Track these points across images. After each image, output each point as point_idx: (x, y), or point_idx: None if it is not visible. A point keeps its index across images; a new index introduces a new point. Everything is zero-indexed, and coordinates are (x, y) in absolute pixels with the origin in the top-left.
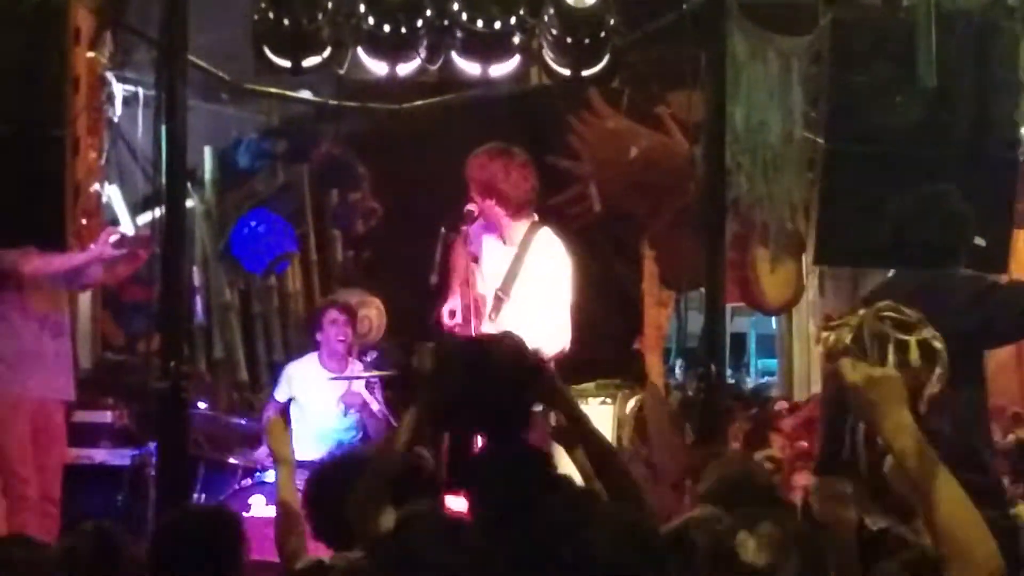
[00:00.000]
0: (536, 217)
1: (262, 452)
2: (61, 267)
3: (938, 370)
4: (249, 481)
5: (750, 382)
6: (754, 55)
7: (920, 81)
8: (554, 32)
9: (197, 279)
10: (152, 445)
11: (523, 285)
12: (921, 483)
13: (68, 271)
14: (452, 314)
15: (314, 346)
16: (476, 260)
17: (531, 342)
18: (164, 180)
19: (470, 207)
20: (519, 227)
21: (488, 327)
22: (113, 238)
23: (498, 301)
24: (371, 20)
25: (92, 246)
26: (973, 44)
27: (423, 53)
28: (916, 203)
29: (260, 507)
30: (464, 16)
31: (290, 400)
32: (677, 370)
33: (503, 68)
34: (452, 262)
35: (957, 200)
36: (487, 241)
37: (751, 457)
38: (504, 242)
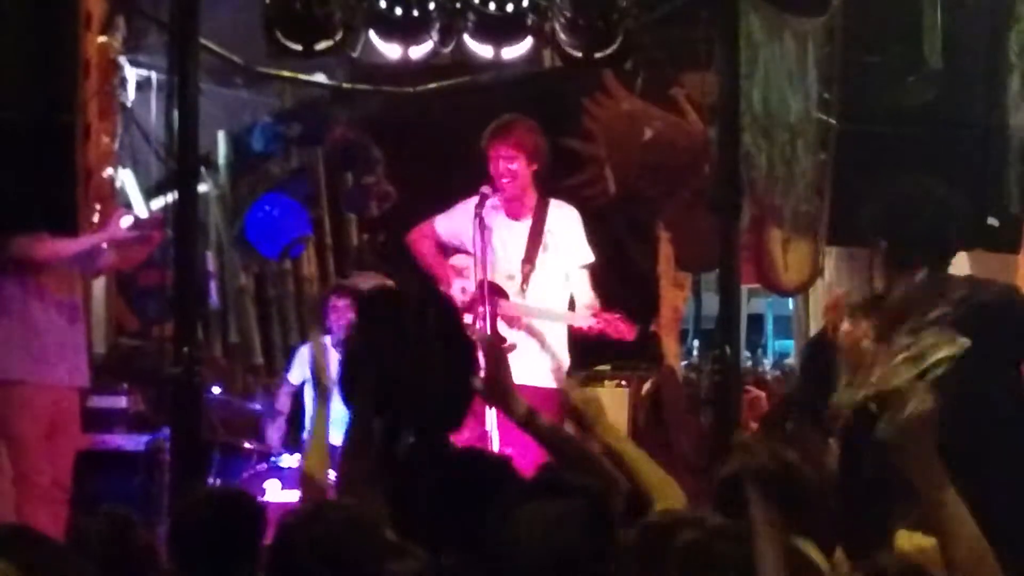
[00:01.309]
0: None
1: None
2: (75, 250)
3: None
4: (264, 466)
5: (767, 363)
6: (771, 36)
7: (928, 61)
8: (567, 14)
9: (211, 264)
10: (167, 430)
11: (547, 251)
12: (942, 523)
13: (81, 253)
14: (464, 291)
15: (326, 329)
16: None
17: (565, 303)
18: (177, 164)
19: (485, 189)
20: (530, 199)
21: (519, 299)
22: (126, 221)
23: (527, 271)
24: (383, 3)
25: (107, 226)
26: (985, 24)
27: (436, 36)
28: (904, 196)
29: (275, 492)
30: None
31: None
32: (694, 352)
33: (516, 50)
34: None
35: (945, 194)
36: (498, 221)
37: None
38: (515, 217)
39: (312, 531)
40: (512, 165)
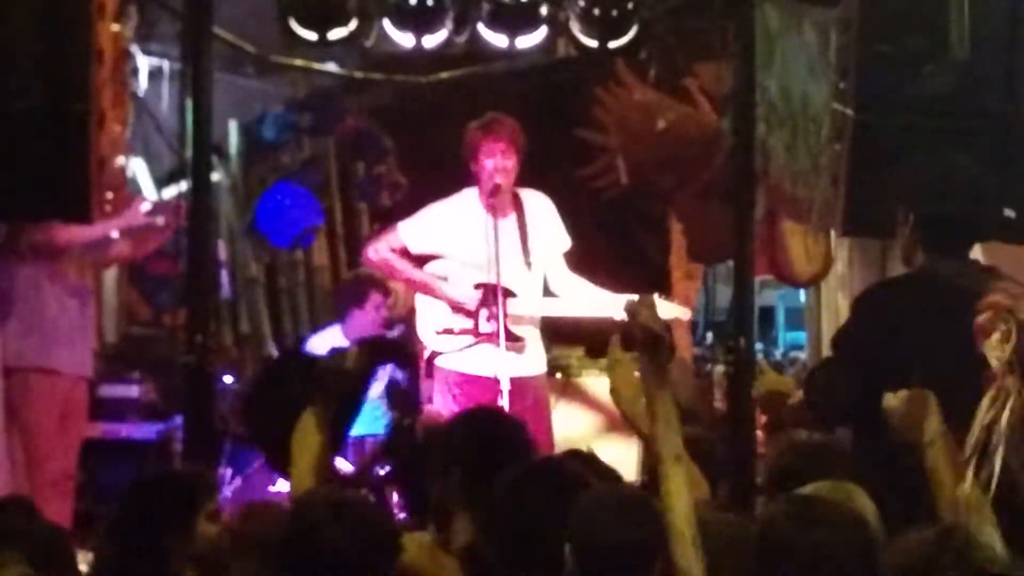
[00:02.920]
0: None
1: None
2: (94, 235)
3: None
4: None
5: (778, 355)
6: (788, 27)
7: (952, 52)
8: (581, 3)
9: (223, 253)
10: (178, 419)
11: (536, 244)
12: None
13: (101, 238)
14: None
15: (339, 318)
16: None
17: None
18: (189, 154)
19: (498, 183)
20: (510, 196)
21: (531, 298)
22: (145, 206)
23: (526, 267)
24: None
25: (125, 213)
26: (1004, 13)
27: (450, 25)
28: (931, 175)
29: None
30: None
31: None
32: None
33: (530, 40)
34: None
35: (975, 170)
36: (480, 220)
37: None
38: (498, 215)
39: (337, 514)
40: (509, 161)
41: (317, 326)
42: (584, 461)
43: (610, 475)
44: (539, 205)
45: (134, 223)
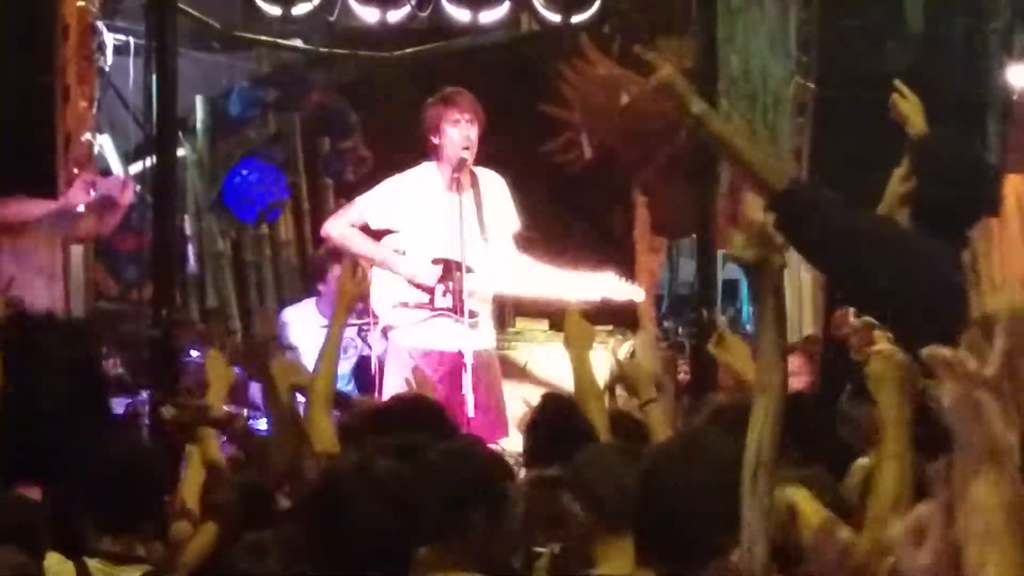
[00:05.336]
0: None
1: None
2: (37, 213)
3: None
4: None
5: (747, 327)
6: (749, 2)
7: (907, 25)
8: None
9: (189, 228)
10: (145, 394)
11: (492, 222)
12: None
13: (47, 216)
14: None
15: (313, 292)
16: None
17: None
18: (155, 129)
19: (464, 154)
20: (468, 171)
21: (488, 275)
22: (82, 193)
23: (483, 243)
24: None
25: (68, 193)
26: None
27: (413, 0)
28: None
29: None
30: None
31: None
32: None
33: (493, 15)
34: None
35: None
36: (438, 195)
37: None
38: (455, 190)
39: (367, 484)
40: (472, 132)
41: (284, 301)
42: (565, 406)
43: (586, 426)
44: (493, 184)
45: (72, 204)
